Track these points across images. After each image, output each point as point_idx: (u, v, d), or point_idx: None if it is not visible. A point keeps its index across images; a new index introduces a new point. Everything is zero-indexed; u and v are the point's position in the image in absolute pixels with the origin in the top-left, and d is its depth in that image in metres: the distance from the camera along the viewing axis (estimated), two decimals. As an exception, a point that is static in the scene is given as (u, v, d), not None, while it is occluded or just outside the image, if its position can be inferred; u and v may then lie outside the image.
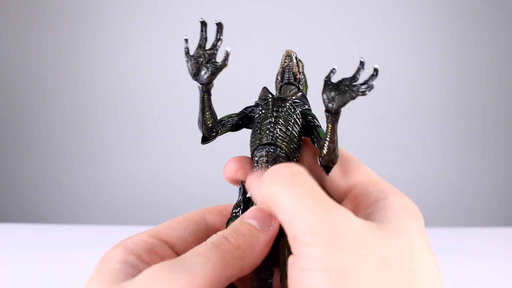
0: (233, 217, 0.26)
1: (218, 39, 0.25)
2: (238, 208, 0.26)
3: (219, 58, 0.26)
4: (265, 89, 0.28)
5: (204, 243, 0.22)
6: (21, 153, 0.96)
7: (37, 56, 0.93)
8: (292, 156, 0.26)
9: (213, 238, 0.23)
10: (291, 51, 0.28)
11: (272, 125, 0.26)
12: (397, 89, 0.93)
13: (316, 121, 0.27)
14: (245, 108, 0.29)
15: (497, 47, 0.93)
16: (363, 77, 0.26)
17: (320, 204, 0.20)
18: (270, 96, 0.27)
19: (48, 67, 0.93)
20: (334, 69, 0.24)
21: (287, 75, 0.28)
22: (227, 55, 0.25)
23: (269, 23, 0.91)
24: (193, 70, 0.25)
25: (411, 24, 0.92)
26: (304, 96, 0.28)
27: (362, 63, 0.24)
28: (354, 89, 0.24)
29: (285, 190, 0.21)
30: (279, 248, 0.24)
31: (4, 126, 0.95)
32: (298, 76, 0.28)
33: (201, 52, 0.25)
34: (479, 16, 0.92)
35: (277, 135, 0.26)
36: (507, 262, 0.62)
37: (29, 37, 0.93)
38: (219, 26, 0.25)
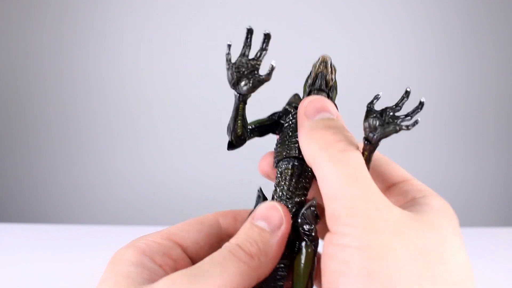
0: None
1: (263, 49, 0.24)
2: None
3: (262, 70, 0.24)
4: (297, 97, 0.28)
5: (220, 251, 0.22)
6: (21, 153, 0.96)
7: (37, 56, 0.93)
8: None
9: (229, 246, 0.22)
10: (327, 57, 0.27)
11: None
12: (397, 89, 0.93)
13: None
14: (273, 114, 0.28)
15: (497, 47, 0.93)
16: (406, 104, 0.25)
17: (364, 188, 0.20)
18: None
19: (48, 67, 0.93)
20: (378, 95, 0.23)
21: (319, 82, 0.27)
22: (272, 69, 0.24)
23: (269, 23, 0.91)
24: (233, 79, 0.24)
25: (411, 24, 0.92)
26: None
27: (407, 93, 0.23)
28: (398, 121, 0.23)
29: (334, 165, 0.21)
30: (294, 264, 0.24)
31: (4, 126, 0.95)
32: (330, 83, 0.27)
33: (244, 61, 0.24)
34: (479, 16, 0.92)
35: None
36: (507, 262, 0.62)
37: (29, 37, 0.93)
38: (267, 37, 0.24)
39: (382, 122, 0.22)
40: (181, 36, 0.92)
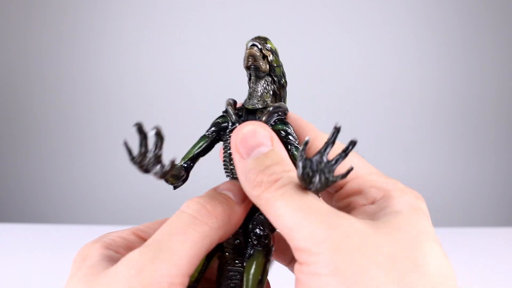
0: None
1: (158, 144, 0.23)
2: None
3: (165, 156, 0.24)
4: (228, 105, 0.26)
5: (179, 216, 0.22)
6: (21, 153, 0.96)
7: (37, 56, 0.93)
8: None
9: (190, 207, 0.22)
10: (255, 47, 0.25)
11: None
12: (397, 89, 0.93)
13: (290, 138, 0.24)
14: (212, 127, 0.27)
15: (497, 47, 0.93)
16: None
17: (319, 214, 0.20)
18: (235, 119, 0.26)
19: (48, 67, 0.93)
20: (307, 140, 0.20)
21: (253, 74, 0.26)
22: (173, 163, 0.24)
23: (269, 23, 0.91)
24: (142, 172, 0.23)
25: (411, 24, 0.92)
26: (276, 102, 0.26)
27: (337, 129, 0.20)
28: (330, 170, 0.20)
29: (280, 202, 0.20)
30: (244, 270, 0.24)
31: (4, 126, 0.95)
32: (265, 69, 0.25)
33: (143, 154, 0.23)
34: (479, 16, 0.92)
35: None
36: (507, 262, 0.62)
37: (29, 37, 0.93)
38: (158, 136, 0.23)
39: (315, 172, 0.20)
40: (181, 36, 0.92)
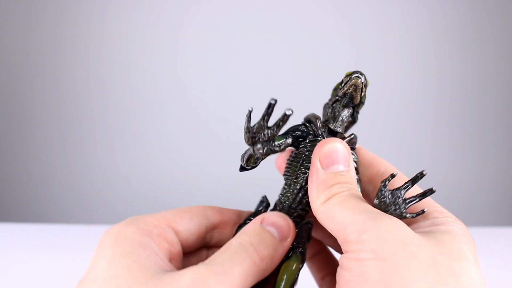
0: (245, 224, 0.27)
1: (281, 123, 0.25)
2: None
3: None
4: (316, 119, 0.28)
5: (235, 248, 0.23)
6: (21, 153, 0.96)
7: (37, 56, 0.93)
8: None
9: (244, 246, 0.23)
10: (360, 81, 0.27)
11: None
12: (397, 90, 0.93)
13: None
14: (293, 132, 0.28)
15: (497, 47, 0.93)
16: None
17: (369, 212, 0.22)
18: (321, 133, 0.28)
19: (48, 67, 0.93)
20: (393, 174, 0.24)
21: (345, 100, 0.28)
22: (286, 145, 0.26)
23: (268, 24, 0.91)
24: (248, 142, 0.25)
25: (411, 24, 0.92)
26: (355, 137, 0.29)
27: (422, 175, 0.24)
28: (406, 207, 0.24)
29: (337, 207, 0.22)
30: (282, 268, 0.25)
31: (4, 126, 0.95)
32: (357, 102, 0.28)
33: (262, 128, 0.25)
34: (479, 16, 0.92)
35: None
36: (507, 262, 0.62)
37: (29, 37, 0.93)
38: (287, 117, 0.24)
39: (392, 203, 0.23)
40: (181, 37, 0.92)
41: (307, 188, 0.26)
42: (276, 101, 0.23)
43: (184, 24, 0.92)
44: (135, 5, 0.91)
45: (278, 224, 0.25)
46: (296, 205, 0.27)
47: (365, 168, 0.28)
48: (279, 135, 0.27)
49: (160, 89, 0.93)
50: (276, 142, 0.25)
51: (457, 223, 0.23)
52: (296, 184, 0.27)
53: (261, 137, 0.25)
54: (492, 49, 0.93)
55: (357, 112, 0.29)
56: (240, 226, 0.27)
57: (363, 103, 0.28)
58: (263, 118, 0.24)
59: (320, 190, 0.24)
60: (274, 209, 0.27)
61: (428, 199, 0.25)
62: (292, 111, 0.23)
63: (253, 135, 0.24)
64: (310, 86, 0.90)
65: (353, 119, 0.29)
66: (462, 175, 0.95)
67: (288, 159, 0.28)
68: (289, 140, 0.26)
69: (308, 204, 0.27)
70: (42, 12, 0.91)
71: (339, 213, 0.22)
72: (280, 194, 0.28)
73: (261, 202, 0.28)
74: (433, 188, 0.23)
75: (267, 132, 0.25)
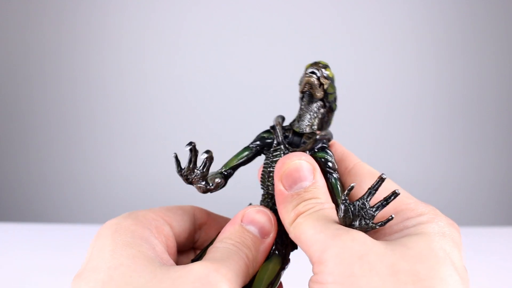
0: None
1: (206, 164, 0.25)
2: None
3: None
4: (277, 124, 0.27)
5: (227, 250, 0.23)
6: (21, 153, 0.96)
7: (37, 56, 0.93)
8: None
9: (232, 249, 0.23)
10: (314, 76, 0.26)
11: None
12: (397, 90, 0.93)
13: (328, 166, 0.26)
14: (258, 140, 0.28)
15: (497, 48, 0.93)
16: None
17: (332, 229, 0.21)
18: (281, 140, 0.27)
19: (48, 67, 0.93)
20: (352, 185, 0.22)
21: (306, 99, 0.27)
22: (217, 184, 0.26)
23: (268, 24, 0.91)
24: (186, 183, 0.25)
25: (411, 24, 0.92)
26: (324, 131, 0.27)
27: (381, 179, 0.21)
28: (370, 218, 0.22)
29: (306, 225, 0.22)
30: (259, 270, 0.25)
31: (4, 126, 0.95)
32: (320, 96, 0.26)
33: (190, 170, 0.25)
34: (479, 16, 0.92)
35: None
36: (507, 262, 0.62)
37: (29, 37, 0.93)
38: (208, 160, 0.25)
39: (356, 217, 0.22)
40: (181, 37, 0.92)
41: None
42: (192, 144, 0.24)
43: (185, 25, 0.92)
44: (135, 6, 0.91)
45: (258, 221, 0.25)
46: (275, 212, 0.26)
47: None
48: (244, 148, 0.28)
49: (160, 89, 0.93)
50: (210, 183, 0.26)
51: (432, 222, 0.22)
52: (269, 193, 0.27)
53: (193, 179, 0.25)
54: (493, 49, 0.92)
55: (330, 102, 0.27)
56: None
57: (332, 93, 0.27)
58: (189, 162, 0.25)
59: (287, 211, 0.23)
60: None
61: (400, 197, 0.23)
62: (208, 154, 0.24)
63: (185, 177, 0.25)
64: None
65: (328, 109, 0.27)
66: (462, 175, 0.95)
67: (262, 171, 0.27)
68: (219, 180, 0.26)
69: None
70: (42, 12, 0.91)
71: (303, 233, 0.22)
72: (261, 200, 0.27)
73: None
74: (397, 191, 0.21)
75: (197, 173, 0.25)
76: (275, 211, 0.26)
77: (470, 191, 0.96)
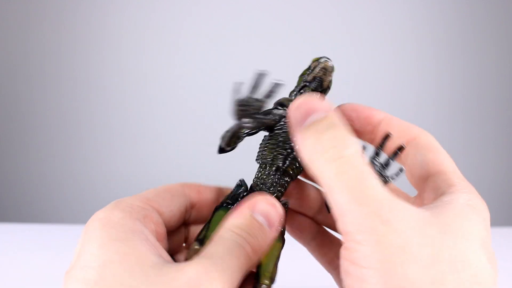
0: (223, 207, 0.26)
1: (270, 94, 0.25)
2: (233, 202, 0.27)
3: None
4: (289, 102, 0.28)
5: (231, 242, 0.22)
6: (21, 153, 0.96)
7: (37, 56, 0.93)
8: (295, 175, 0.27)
9: (238, 239, 0.22)
10: (329, 64, 0.27)
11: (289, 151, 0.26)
12: (397, 90, 0.93)
13: None
14: (268, 114, 0.27)
15: (497, 48, 0.93)
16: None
17: (369, 200, 0.19)
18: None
19: (48, 68, 0.93)
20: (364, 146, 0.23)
21: (314, 84, 0.28)
22: (281, 117, 0.25)
23: (268, 24, 0.91)
24: (237, 115, 0.24)
25: (411, 24, 0.92)
26: None
27: (387, 136, 0.23)
28: (386, 172, 0.23)
29: (335, 177, 0.20)
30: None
31: (4, 126, 0.95)
32: (325, 86, 0.28)
33: (250, 100, 0.24)
34: (479, 16, 0.92)
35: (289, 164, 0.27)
36: (507, 262, 0.62)
37: (29, 37, 0.93)
38: (277, 86, 0.24)
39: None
40: (181, 37, 0.92)
41: (284, 169, 0.26)
42: (264, 73, 0.23)
43: (184, 25, 0.92)
44: (135, 6, 0.91)
45: (268, 213, 0.24)
46: (274, 187, 0.26)
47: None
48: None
49: (160, 89, 0.93)
50: (268, 115, 0.25)
51: (466, 195, 0.22)
52: (272, 166, 0.26)
53: (250, 110, 0.24)
54: (492, 49, 0.92)
55: (326, 95, 0.29)
56: (217, 209, 0.27)
57: (329, 88, 0.28)
58: (252, 90, 0.24)
59: (305, 148, 0.21)
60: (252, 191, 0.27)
61: (446, 165, 0.24)
62: (278, 83, 0.23)
63: (242, 107, 0.24)
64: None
65: None
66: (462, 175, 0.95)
67: (262, 143, 0.28)
68: (281, 111, 0.26)
69: (284, 185, 0.26)
70: (42, 12, 0.91)
71: (339, 192, 0.20)
72: (255, 178, 0.27)
73: (239, 186, 0.27)
74: (403, 145, 0.22)
75: (256, 104, 0.24)
76: (272, 189, 0.26)
77: (470, 191, 0.96)
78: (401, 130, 0.26)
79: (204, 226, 0.26)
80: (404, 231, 0.19)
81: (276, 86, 0.24)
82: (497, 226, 0.88)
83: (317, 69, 0.27)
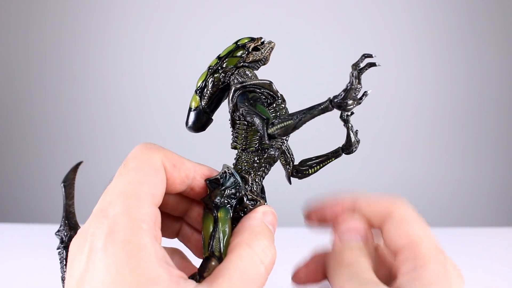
0: (223, 207, 0.26)
1: (365, 69, 0.26)
2: (232, 200, 0.27)
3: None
4: (270, 85, 0.30)
5: (248, 260, 0.23)
6: (21, 153, 0.96)
7: (37, 56, 0.93)
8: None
9: (253, 254, 0.23)
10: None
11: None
12: (398, 90, 0.93)
13: None
14: (258, 100, 0.29)
15: (496, 48, 0.93)
16: None
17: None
18: (280, 95, 0.29)
19: (48, 67, 0.93)
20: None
21: (259, 65, 0.32)
22: (364, 96, 0.26)
23: (268, 25, 0.91)
24: (354, 101, 0.25)
25: (411, 25, 0.92)
26: None
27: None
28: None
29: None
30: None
31: (4, 126, 0.95)
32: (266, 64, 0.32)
33: (359, 86, 0.26)
34: (479, 16, 0.92)
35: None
36: (507, 262, 0.62)
37: (29, 37, 0.93)
38: (369, 65, 0.25)
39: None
40: (181, 37, 0.92)
41: (262, 147, 0.28)
42: (369, 55, 0.25)
43: (184, 25, 0.92)
44: (135, 6, 0.91)
45: (274, 223, 0.26)
46: (259, 165, 0.28)
47: None
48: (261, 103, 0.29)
49: (160, 89, 0.93)
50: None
51: (427, 263, 0.24)
52: (250, 148, 0.28)
53: (355, 96, 0.26)
54: (492, 50, 0.92)
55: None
56: (215, 207, 0.26)
57: (233, 73, 0.32)
58: (356, 78, 0.25)
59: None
60: (242, 180, 0.28)
61: (415, 238, 0.25)
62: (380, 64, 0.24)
63: (350, 90, 0.25)
64: (310, 88, 0.89)
65: None
66: (462, 176, 0.95)
67: (239, 129, 0.29)
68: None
69: (269, 160, 0.28)
70: (42, 12, 0.91)
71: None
72: (238, 164, 0.29)
73: (230, 175, 0.27)
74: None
75: (359, 87, 0.26)
76: (260, 177, 0.28)
77: (470, 192, 0.96)
78: (375, 210, 0.27)
79: (211, 236, 0.26)
80: None
81: (370, 64, 0.25)
82: (497, 226, 0.88)
83: (266, 50, 0.31)
